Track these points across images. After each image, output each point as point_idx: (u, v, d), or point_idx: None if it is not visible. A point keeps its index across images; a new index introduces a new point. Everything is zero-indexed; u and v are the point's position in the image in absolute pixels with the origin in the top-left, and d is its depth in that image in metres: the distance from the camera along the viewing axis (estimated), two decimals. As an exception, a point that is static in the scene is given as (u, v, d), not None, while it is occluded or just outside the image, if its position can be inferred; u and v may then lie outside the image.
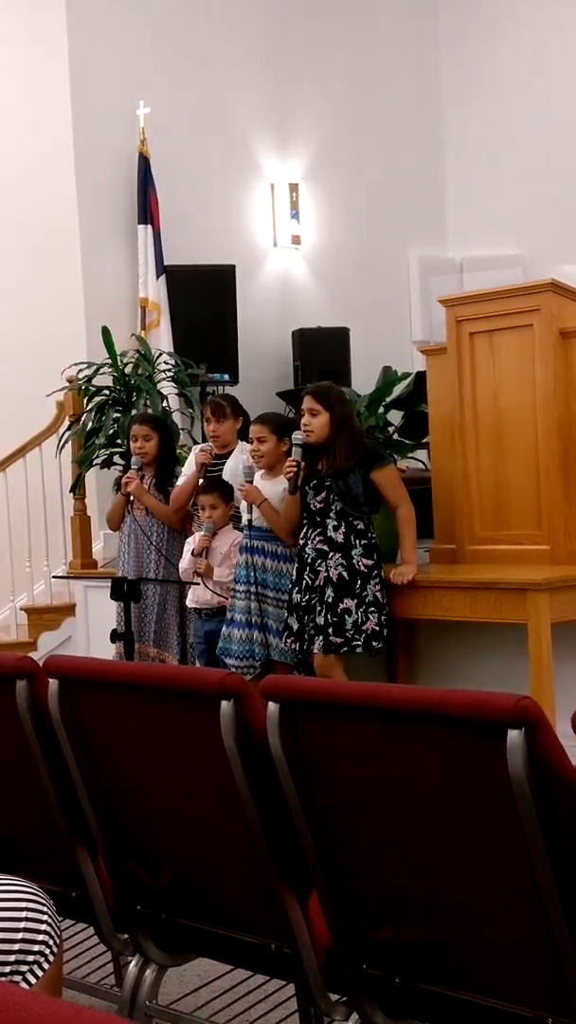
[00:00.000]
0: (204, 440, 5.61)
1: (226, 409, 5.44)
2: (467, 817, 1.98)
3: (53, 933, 1.99)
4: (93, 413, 6.46)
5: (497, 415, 5.28)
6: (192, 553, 5.20)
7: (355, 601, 4.81)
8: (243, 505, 5.11)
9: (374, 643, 4.87)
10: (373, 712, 2.01)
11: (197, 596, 5.25)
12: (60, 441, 6.66)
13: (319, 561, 4.86)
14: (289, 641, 4.93)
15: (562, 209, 8.12)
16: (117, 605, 5.05)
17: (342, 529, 4.86)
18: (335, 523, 4.86)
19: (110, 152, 7.48)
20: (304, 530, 4.94)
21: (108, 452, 6.41)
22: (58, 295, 7.45)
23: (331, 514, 4.87)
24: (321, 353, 7.90)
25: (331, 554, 4.84)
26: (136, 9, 7.70)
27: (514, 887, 1.94)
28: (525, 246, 8.35)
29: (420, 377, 5.94)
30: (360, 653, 4.89)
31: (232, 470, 5.32)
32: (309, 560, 4.88)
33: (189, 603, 5.32)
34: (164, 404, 6.53)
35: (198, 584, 5.18)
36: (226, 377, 7.58)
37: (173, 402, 6.82)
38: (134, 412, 6.22)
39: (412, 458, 6.29)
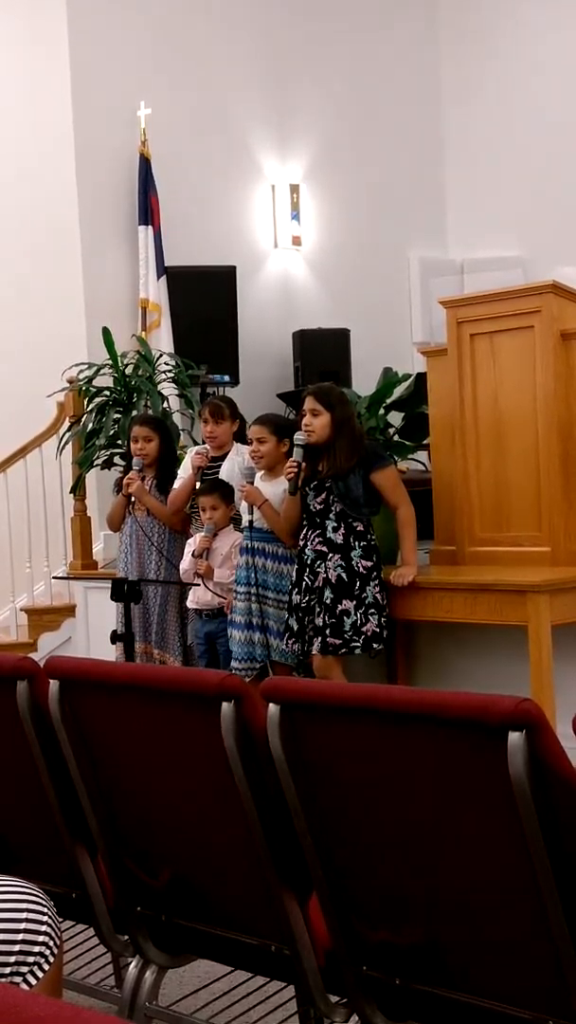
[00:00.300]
0: (203, 441, 5.61)
1: (224, 410, 5.45)
2: (467, 819, 1.98)
3: (53, 934, 1.99)
4: (93, 414, 6.46)
5: (498, 416, 5.28)
6: (192, 554, 5.20)
7: (354, 603, 4.81)
8: (243, 506, 5.11)
9: (373, 645, 4.86)
10: (373, 714, 2.01)
11: (197, 597, 5.25)
12: (60, 442, 6.65)
13: (318, 562, 4.86)
14: (290, 642, 4.93)
15: (562, 210, 8.13)
16: (118, 606, 5.05)
17: (341, 530, 4.86)
18: (334, 524, 4.86)
19: (110, 152, 7.48)
20: (304, 531, 4.94)
21: (108, 453, 6.40)
22: (58, 296, 7.46)
23: (331, 515, 4.87)
24: (321, 354, 7.90)
25: (330, 555, 4.84)
26: (136, 9, 7.70)
27: (514, 888, 1.94)
28: (526, 247, 8.35)
29: (421, 378, 5.94)
30: (359, 655, 4.90)
31: (228, 472, 5.33)
32: (308, 561, 4.88)
33: (189, 604, 5.32)
34: (164, 405, 6.53)
35: (198, 585, 5.18)
36: (226, 378, 7.58)
37: (173, 403, 6.82)
38: (135, 413, 6.22)
39: (412, 459, 6.28)
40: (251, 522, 5.05)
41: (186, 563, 5.25)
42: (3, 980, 1.91)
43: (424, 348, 5.97)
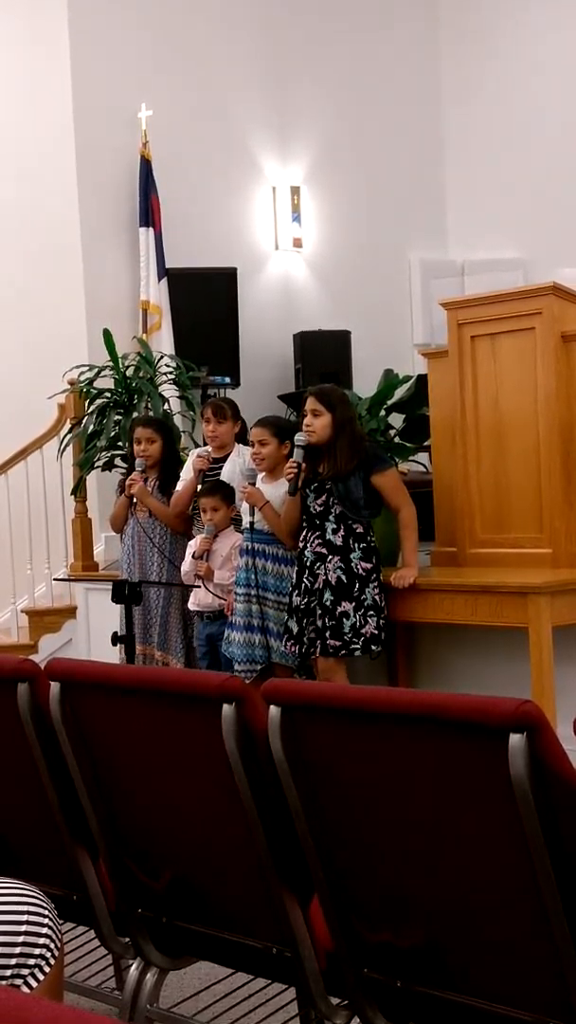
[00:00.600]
0: (204, 443, 5.62)
1: (226, 411, 5.46)
2: (468, 820, 1.98)
3: (54, 937, 1.99)
4: (94, 415, 6.46)
5: (498, 418, 5.28)
6: (193, 556, 5.20)
7: (353, 604, 4.81)
8: (244, 507, 5.12)
9: (373, 647, 4.86)
10: (374, 715, 2.01)
11: (198, 599, 5.25)
12: (61, 443, 6.66)
13: (318, 564, 4.86)
14: (289, 644, 4.93)
15: (563, 211, 8.13)
16: (119, 607, 5.04)
17: (341, 532, 4.86)
18: (334, 526, 4.86)
19: (111, 153, 7.48)
20: (304, 533, 4.94)
21: (109, 454, 6.40)
22: (59, 297, 7.46)
23: (330, 517, 4.87)
24: (322, 356, 7.90)
25: (330, 557, 4.84)
26: (136, 9, 7.70)
27: (515, 890, 1.94)
28: (526, 249, 8.35)
29: (421, 380, 5.94)
30: (359, 656, 4.90)
31: (230, 473, 5.34)
32: (308, 563, 4.88)
33: (190, 606, 5.32)
34: (165, 407, 6.53)
35: (199, 587, 5.18)
36: (227, 380, 7.58)
37: (174, 405, 6.82)
38: (135, 415, 6.22)
39: (413, 461, 6.28)
40: (251, 523, 5.05)
41: (187, 565, 5.25)
42: (4, 983, 1.91)
43: (425, 350, 5.98)
